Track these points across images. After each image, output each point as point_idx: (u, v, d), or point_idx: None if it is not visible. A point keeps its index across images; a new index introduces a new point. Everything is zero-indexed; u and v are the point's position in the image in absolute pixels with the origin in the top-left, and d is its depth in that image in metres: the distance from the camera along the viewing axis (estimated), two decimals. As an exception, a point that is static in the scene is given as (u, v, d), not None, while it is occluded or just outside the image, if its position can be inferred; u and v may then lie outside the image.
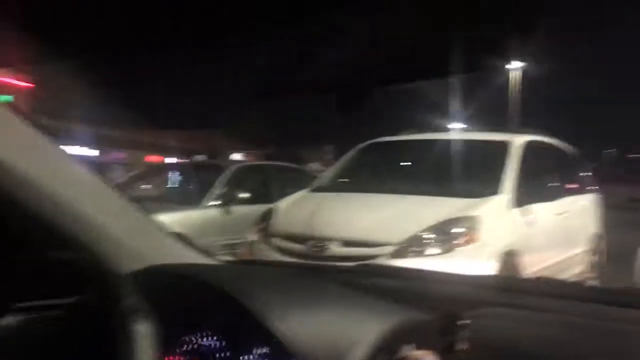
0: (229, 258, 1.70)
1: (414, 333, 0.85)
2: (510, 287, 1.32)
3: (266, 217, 4.90)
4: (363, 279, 1.29)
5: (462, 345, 0.84)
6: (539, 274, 4.69)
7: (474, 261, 4.03)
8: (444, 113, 17.54)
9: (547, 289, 1.29)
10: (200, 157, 15.47)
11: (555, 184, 5.51)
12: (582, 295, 1.24)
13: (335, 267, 1.87)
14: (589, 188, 6.57)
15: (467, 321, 0.84)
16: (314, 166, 14.99)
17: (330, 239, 4.24)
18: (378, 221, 4.32)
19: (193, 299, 1.02)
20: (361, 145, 5.78)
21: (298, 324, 0.85)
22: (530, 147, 5.20)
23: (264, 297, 0.90)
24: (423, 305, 0.96)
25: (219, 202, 6.46)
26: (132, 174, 8.85)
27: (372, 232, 4.20)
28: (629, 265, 5.39)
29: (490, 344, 0.85)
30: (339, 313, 0.90)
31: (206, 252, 1.29)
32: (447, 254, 4.03)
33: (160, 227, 1.16)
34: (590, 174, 6.68)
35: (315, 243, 4.28)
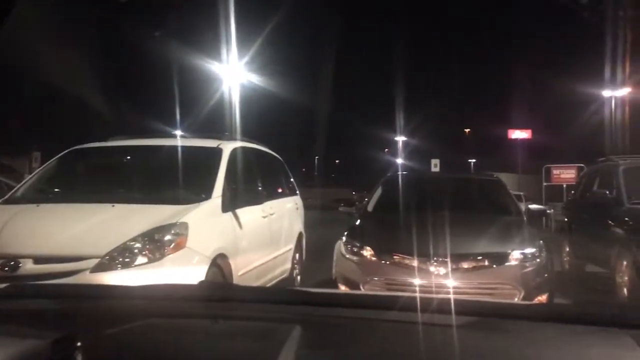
0: None
1: None
2: (183, 296, 1.31)
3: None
4: (7, 302, 1.13)
5: None
6: (248, 275, 4.94)
7: (184, 268, 4.01)
8: (166, 119, 17.35)
9: (224, 294, 1.31)
10: None
11: (264, 188, 5.86)
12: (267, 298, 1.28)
13: None
14: (294, 191, 7.18)
15: (79, 343, 0.79)
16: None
17: (23, 257, 3.78)
18: (80, 233, 4.00)
19: None
20: (64, 152, 5.30)
21: None
22: (239, 153, 5.41)
23: None
24: (59, 327, 0.87)
25: None
26: None
27: (71, 245, 3.86)
28: (328, 258, 6.04)
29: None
30: None
31: None
32: (156, 263, 3.93)
33: None
34: (292, 179, 7.29)
35: (4, 262, 3.76)
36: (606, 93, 22.92)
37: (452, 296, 1.14)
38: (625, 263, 6.19)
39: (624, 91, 22.61)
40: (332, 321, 1.06)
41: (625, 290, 6.16)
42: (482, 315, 1.08)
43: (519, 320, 1.08)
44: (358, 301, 1.22)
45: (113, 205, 4.34)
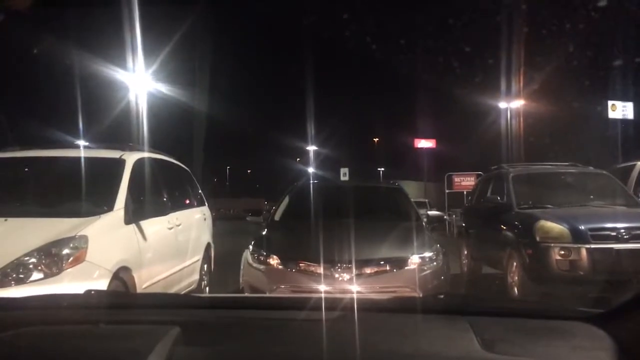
0: None
1: None
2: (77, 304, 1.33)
3: None
4: None
5: None
6: (153, 288, 4.87)
7: (84, 282, 3.90)
8: (68, 129, 16.63)
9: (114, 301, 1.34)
10: None
11: (169, 199, 5.80)
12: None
13: None
14: (201, 202, 7.13)
15: None
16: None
17: None
18: None
19: None
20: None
21: None
22: (143, 164, 5.31)
23: None
24: None
25: None
26: None
27: None
28: (238, 268, 6.06)
29: None
30: None
31: None
32: (54, 278, 3.81)
33: None
34: (200, 190, 7.24)
35: None
36: (502, 105, 24.48)
37: (324, 295, 1.26)
38: (515, 264, 6.65)
39: (518, 103, 24.25)
40: (211, 321, 1.14)
41: (515, 289, 6.61)
42: (350, 311, 1.19)
43: (381, 313, 1.21)
44: (236, 303, 1.31)
45: (5, 220, 4.16)
